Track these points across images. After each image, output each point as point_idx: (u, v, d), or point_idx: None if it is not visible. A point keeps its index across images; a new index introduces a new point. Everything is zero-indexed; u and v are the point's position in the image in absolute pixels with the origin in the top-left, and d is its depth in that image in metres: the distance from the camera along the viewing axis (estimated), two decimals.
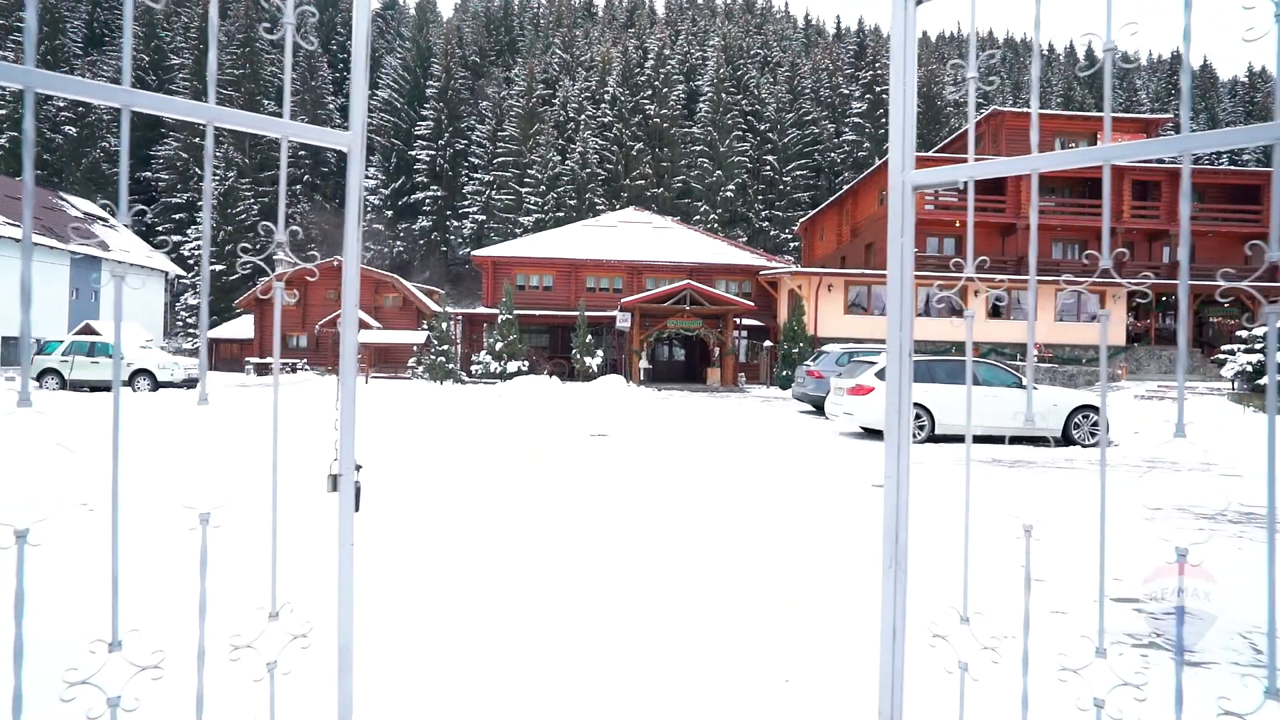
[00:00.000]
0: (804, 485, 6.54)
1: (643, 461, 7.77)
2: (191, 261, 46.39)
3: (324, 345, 32.24)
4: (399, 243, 57.96)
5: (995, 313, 25.57)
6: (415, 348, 27.89)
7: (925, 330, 24.82)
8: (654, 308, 25.38)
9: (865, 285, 26.06)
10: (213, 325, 38.59)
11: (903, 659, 1.77)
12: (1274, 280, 22.44)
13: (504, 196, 53.89)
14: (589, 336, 25.82)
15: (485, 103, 61.74)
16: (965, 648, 1.74)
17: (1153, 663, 2.73)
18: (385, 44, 70.47)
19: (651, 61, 59.65)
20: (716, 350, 26.41)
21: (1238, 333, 18.49)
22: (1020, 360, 22.11)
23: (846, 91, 62.98)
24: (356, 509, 1.88)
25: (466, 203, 57.77)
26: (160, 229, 50.06)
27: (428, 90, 60.36)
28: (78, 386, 17.21)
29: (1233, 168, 38.95)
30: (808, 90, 63.31)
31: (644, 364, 25.71)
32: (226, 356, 36.03)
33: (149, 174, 51.05)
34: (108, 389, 17.04)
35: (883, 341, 22.61)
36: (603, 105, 58.01)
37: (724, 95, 57.12)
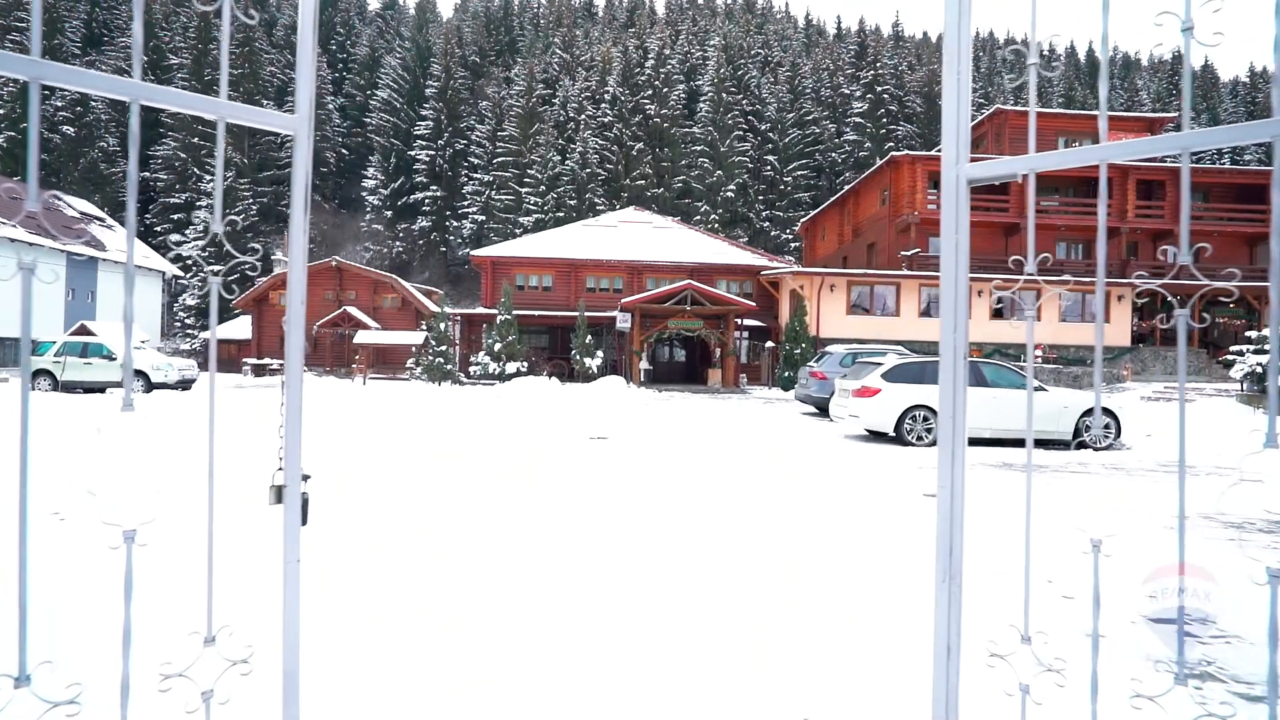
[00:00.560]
0: (811, 491, 6.37)
1: (644, 465, 7.62)
2: (190, 262, 46.27)
3: (322, 345, 32.10)
4: (398, 243, 57.80)
5: (998, 313, 25.42)
6: (414, 348, 27.74)
7: (926, 331, 24.67)
8: (654, 308, 25.22)
9: (868, 285, 25.90)
10: (206, 326, 38.42)
11: (957, 679, 1.67)
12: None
13: (504, 196, 53.71)
14: (589, 337, 25.64)
15: (485, 103, 61.59)
16: (1026, 669, 1.61)
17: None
18: (385, 44, 70.31)
19: (652, 61, 59.48)
20: (717, 351, 26.24)
21: (1246, 333, 18.31)
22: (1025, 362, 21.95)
23: (847, 91, 62.77)
24: (304, 522, 1.74)
25: (466, 203, 57.61)
26: (159, 229, 49.98)
27: (427, 90, 60.22)
28: (70, 388, 17.07)
29: (1238, 167, 38.80)
30: (808, 90, 63.14)
31: (644, 365, 25.55)
32: (224, 357, 35.84)
33: (147, 174, 50.88)
34: (101, 390, 16.90)
35: (884, 342, 22.46)
36: (603, 105, 57.84)
37: (724, 95, 56.92)
